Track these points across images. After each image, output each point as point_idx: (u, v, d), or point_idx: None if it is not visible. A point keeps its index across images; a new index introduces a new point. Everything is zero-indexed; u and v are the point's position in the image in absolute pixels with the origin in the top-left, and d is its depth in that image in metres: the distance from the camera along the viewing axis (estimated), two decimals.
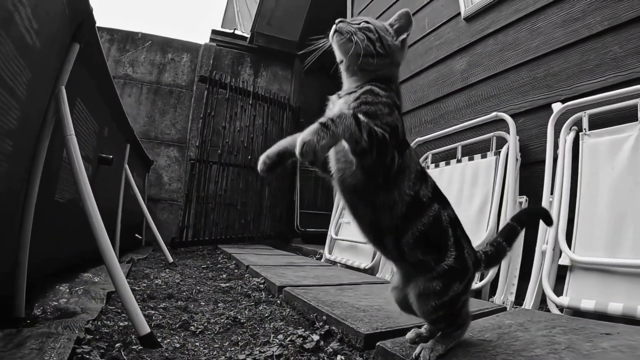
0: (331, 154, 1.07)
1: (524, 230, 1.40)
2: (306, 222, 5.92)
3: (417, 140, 3.12)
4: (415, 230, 1.08)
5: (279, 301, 1.98)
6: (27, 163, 1.25)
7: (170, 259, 3.20)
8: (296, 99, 6.58)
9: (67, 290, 1.82)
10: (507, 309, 1.82)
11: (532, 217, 1.45)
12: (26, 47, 1.05)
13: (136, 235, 4.50)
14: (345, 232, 3.48)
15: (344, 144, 0.97)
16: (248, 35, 7.10)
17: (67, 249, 2.07)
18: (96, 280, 2.14)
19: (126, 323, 1.46)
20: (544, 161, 2.15)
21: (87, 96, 1.86)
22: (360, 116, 0.96)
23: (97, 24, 1.60)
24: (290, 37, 6.84)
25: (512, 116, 2.46)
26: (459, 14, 3.21)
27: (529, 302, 1.88)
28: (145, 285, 2.27)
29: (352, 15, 5.10)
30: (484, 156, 2.45)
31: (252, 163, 5.52)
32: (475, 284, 2.03)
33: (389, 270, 2.63)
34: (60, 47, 1.37)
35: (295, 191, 6.05)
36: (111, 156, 2.22)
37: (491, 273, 2.02)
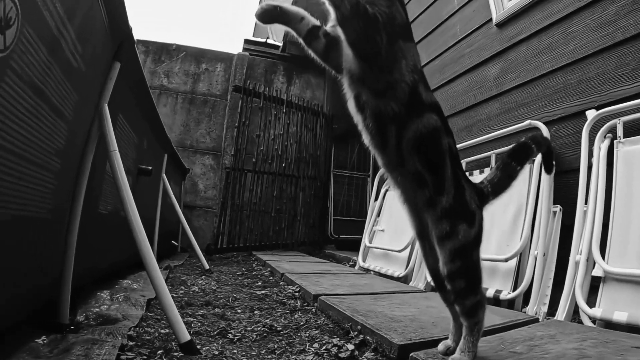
0: (345, 53, 1.11)
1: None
2: (339, 229, 5.92)
3: None
4: (415, 128, 1.12)
5: (314, 309, 1.99)
6: (73, 178, 1.31)
7: (207, 266, 3.26)
8: (329, 106, 6.61)
9: (108, 296, 1.88)
10: (540, 320, 1.78)
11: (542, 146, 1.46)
12: (72, 70, 1.10)
13: (173, 242, 4.61)
14: (379, 240, 3.47)
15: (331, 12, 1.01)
16: (280, 44, 7.20)
17: (107, 257, 2.14)
18: (135, 286, 2.20)
19: (166, 330, 1.50)
20: (578, 169, 2.09)
21: (128, 111, 1.93)
22: None
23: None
24: None
25: (546, 124, 2.40)
26: (491, 19, 3.16)
27: (561, 313, 1.83)
28: (182, 292, 2.32)
29: None
30: None
31: (286, 171, 5.60)
32: (508, 294, 1.99)
33: (422, 279, 2.60)
34: (103, 66, 1.43)
35: (329, 197, 6.06)
36: (150, 167, 2.29)
37: (524, 283, 1.97)
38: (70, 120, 1.16)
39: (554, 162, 1.55)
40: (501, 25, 3.05)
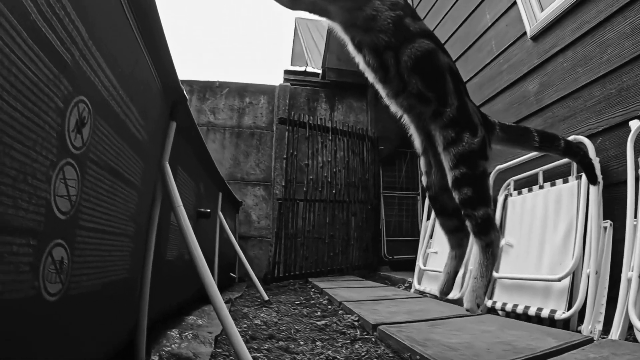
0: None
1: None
2: (393, 250, 5.92)
3: (497, 168, 3.06)
4: (409, 53, 1.30)
5: (373, 339, 2.03)
6: (144, 235, 1.45)
7: (266, 297, 3.37)
8: (373, 128, 6.68)
9: (178, 335, 2.00)
10: (595, 339, 1.75)
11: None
12: (138, 143, 1.24)
13: (231, 274, 4.78)
14: (433, 262, 3.48)
15: None
16: (319, 71, 7.38)
17: (175, 297, 2.29)
18: (200, 322, 2.33)
19: None
20: (625, 182, 2.05)
21: (185, 161, 2.08)
22: None
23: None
24: None
25: (590, 136, 2.36)
26: (525, 33, 3.15)
27: (615, 331, 1.79)
28: (246, 325, 2.43)
29: None
30: (565, 181, 2.37)
31: (337, 197, 5.69)
32: (563, 314, 1.97)
33: None
34: (161, 128, 1.58)
35: (380, 219, 6.09)
36: (209, 210, 2.45)
37: (578, 302, 1.94)
38: (139, 186, 1.31)
39: (597, 173, 1.58)
40: (536, 38, 3.04)
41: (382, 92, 1.42)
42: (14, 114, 0.60)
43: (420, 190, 6.20)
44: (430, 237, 3.72)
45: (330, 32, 6.95)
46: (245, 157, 6.37)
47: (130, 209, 1.23)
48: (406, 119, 1.46)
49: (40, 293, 0.72)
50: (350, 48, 1.40)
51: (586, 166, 1.65)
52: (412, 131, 1.49)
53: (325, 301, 3.31)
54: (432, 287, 3.29)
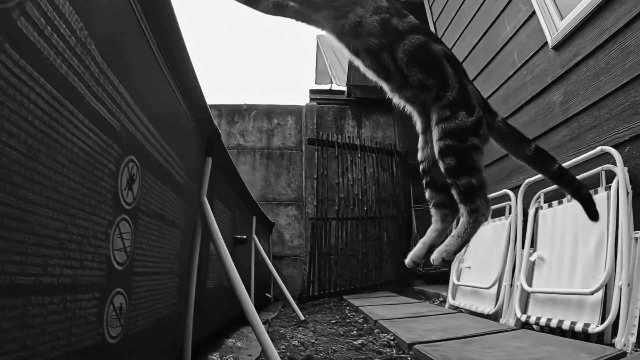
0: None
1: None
2: (426, 264, 5.87)
3: (527, 181, 3.05)
4: (403, 48, 1.40)
5: (409, 358, 2.08)
6: (188, 269, 1.56)
7: (302, 317, 3.44)
8: (401, 143, 6.72)
9: (219, 358, 2.09)
10: (628, 353, 1.75)
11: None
12: (179, 186, 1.35)
13: (266, 294, 4.88)
14: (466, 276, 3.48)
15: None
16: (344, 88, 7.50)
17: (215, 321, 2.39)
18: (239, 345, 2.41)
19: None
20: None
21: (221, 192, 2.20)
22: None
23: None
24: None
25: (617, 146, 2.36)
26: (546, 43, 3.16)
27: None
28: (284, 347, 2.50)
29: None
30: (595, 192, 2.37)
31: (369, 214, 5.74)
32: (596, 328, 1.97)
33: (512, 315, 2.60)
34: (199, 166, 1.69)
35: (412, 233, 6.10)
36: (245, 237, 2.56)
37: (611, 315, 1.94)
38: (182, 225, 1.42)
39: (597, 209, 1.59)
40: (557, 47, 3.05)
41: (387, 88, 1.53)
42: (76, 186, 0.71)
43: None
44: (464, 251, 3.73)
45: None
46: (276, 178, 6.51)
47: (176, 247, 1.34)
48: (409, 109, 1.56)
49: (104, 338, 0.82)
50: (348, 54, 1.52)
51: (584, 200, 1.61)
52: (415, 117, 1.59)
53: (361, 319, 3.36)
54: (467, 301, 3.30)
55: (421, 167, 1.62)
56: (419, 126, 1.60)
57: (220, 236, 1.63)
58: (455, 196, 1.38)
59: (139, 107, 0.97)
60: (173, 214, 1.30)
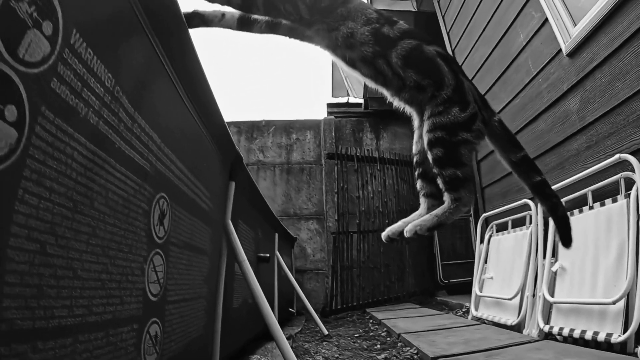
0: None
1: None
2: (448, 274, 5.89)
3: None
4: (396, 53, 1.45)
5: None
6: (214, 291, 1.62)
7: (325, 331, 3.47)
8: None
9: None
10: None
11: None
12: (205, 214, 1.43)
13: (290, 309, 4.93)
14: (489, 287, 3.48)
15: None
16: (361, 101, 7.56)
17: (240, 339, 2.44)
18: None
19: None
20: None
21: (244, 213, 2.27)
22: None
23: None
24: None
25: (635, 152, 2.35)
26: (560, 50, 3.16)
27: None
28: None
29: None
30: (614, 200, 2.37)
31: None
32: (619, 337, 1.96)
33: (534, 326, 2.59)
34: (223, 191, 1.76)
35: (434, 244, 6.08)
36: (268, 255, 2.63)
37: (633, 324, 1.92)
38: (209, 251, 1.49)
39: (571, 234, 1.61)
40: (572, 54, 3.05)
41: (387, 93, 1.59)
42: (113, 229, 0.78)
43: (472, 212, 6.15)
44: (485, 261, 3.73)
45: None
46: (296, 193, 6.58)
47: (203, 273, 1.41)
48: (409, 109, 1.62)
49: None
50: (345, 67, 1.57)
51: (559, 219, 1.60)
52: (414, 115, 1.65)
53: (384, 333, 3.38)
54: (490, 312, 3.29)
55: (414, 159, 1.68)
56: (416, 123, 1.66)
57: (245, 258, 1.69)
58: (440, 185, 1.43)
59: (166, 144, 1.05)
60: (200, 241, 1.37)
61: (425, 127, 1.44)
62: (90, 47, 0.68)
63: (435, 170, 1.43)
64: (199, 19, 1.41)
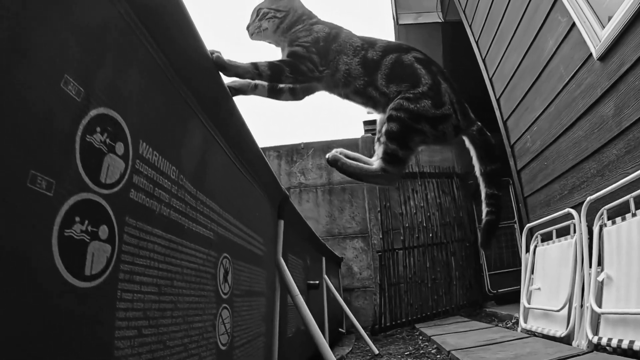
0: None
1: None
2: (496, 283, 5.83)
3: (589, 199, 3.01)
4: (380, 74, 1.49)
5: None
6: (271, 326, 1.75)
7: (376, 350, 3.55)
8: (459, 164, 6.71)
9: None
10: None
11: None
12: (260, 259, 1.57)
13: (339, 329, 5.02)
14: (536, 298, 3.46)
15: None
16: None
17: None
18: None
19: None
20: None
21: (293, 246, 2.38)
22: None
23: (262, 146, 2.08)
24: None
25: None
26: (591, 55, 3.12)
27: None
28: None
29: (487, 76, 5.22)
30: None
31: (434, 240, 5.80)
32: None
33: (583, 337, 2.57)
34: (273, 231, 1.88)
35: (480, 254, 6.04)
36: (317, 282, 2.76)
37: None
38: (265, 291, 1.63)
39: (490, 242, 1.68)
40: (602, 58, 3.01)
41: (375, 111, 1.62)
42: (190, 299, 0.93)
43: (516, 218, 6.06)
44: (532, 272, 3.70)
45: None
46: (340, 212, 6.68)
47: (262, 313, 1.55)
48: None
49: None
50: (340, 100, 1.63)
51: (487, 224, 1.68)
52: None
53: (434, 350, 3.41)
54: (539, 324, 3.27)
55: (377, 136, 1.69)
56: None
57: (297, 292, 1.80)
58: (379, 152, 1.47)
59: (224, 209, 1.20)
60: (258, 285, 1.51)
61: (391, 105, 1.46)
62: (155, 150, 0.81)
63: (382, 139, 1.47)
64: (234, 91, 1.52)
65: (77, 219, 0.58)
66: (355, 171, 1.51)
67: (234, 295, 1.22)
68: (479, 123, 1.68)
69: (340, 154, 1.61)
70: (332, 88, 1.59)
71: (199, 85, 1.05)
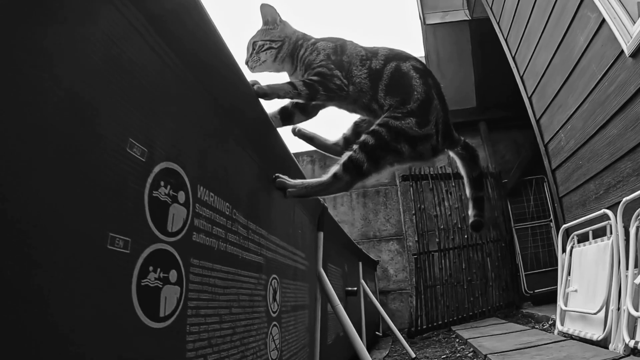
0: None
1: None
2: (533, 283, 5.75)
3: (624, 199, 2.96)
4: (381, 87, 1.48)
5: None
6: (313, 336, 1.84)
7: (413, 354, 3.59)
8: (493, 163, 6.65)
9: None
10: None
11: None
12: (304, 273, 1.67)
13: (376, 332, 5.07)
14: (573, 300, 3.44)
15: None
16: None
17: None
18: None
19: None
20: None
21: (332, 255, 2.47)
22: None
23: (295, 151, 2.15)
24: (468, 104, 7.10)
25: None
26: (622, 52, 3.07)
27: None
28: None
29: (518, 74, 5.16)
30: None
31: (469, 241, 5.78)
32: None
33: (620, 340, 2.55)
34: (313, 243, 1.96)
35: (516, 254, 5.97)
36: (355, 288, 2.85)
37: None
38: (309, 303, 1.72)
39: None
40: (634, 55, 2.94)
41: (371, 118, 1.60)
42: (246, 322, 1.04)
43: (552, 216, 5.95)
44: (569, 273, 3.66)
45: None
46: (374, 215, 6.74)
47: (305, 324, 1.66)
48: None
49: None
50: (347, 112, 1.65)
51: (479, 224, 1.79)
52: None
53: (471, 354, 3.43)
54: (575, 327, 3.25)
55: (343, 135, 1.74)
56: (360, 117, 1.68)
57: (338, 302, 1.87)
58: (344, 156, 1.39)
59: (271, 232, 1.30)
60: (302, 299, 1.62)
61: (378, 121, 1.43)
62: (211, 191, 0.90)
63: (354, 146, 1.40)
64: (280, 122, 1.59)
65: (151, 268, 0.65)
66: (302, 189, 1.35)
67: (282, 312, 1.32)
68: (462, 139, 1.73)
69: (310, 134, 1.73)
70: (343, 102, 1.58)
71: (245, 120, 1.13)
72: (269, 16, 1.61)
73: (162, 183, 0.71)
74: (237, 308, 0.98)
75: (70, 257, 0.50)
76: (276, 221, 1.38)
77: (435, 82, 1.55)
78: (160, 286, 0.68)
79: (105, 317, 0.55)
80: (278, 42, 1.59)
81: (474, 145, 5.50)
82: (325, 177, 1.37)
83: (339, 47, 1.57)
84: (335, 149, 1.76)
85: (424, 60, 7.39)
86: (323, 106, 1.65)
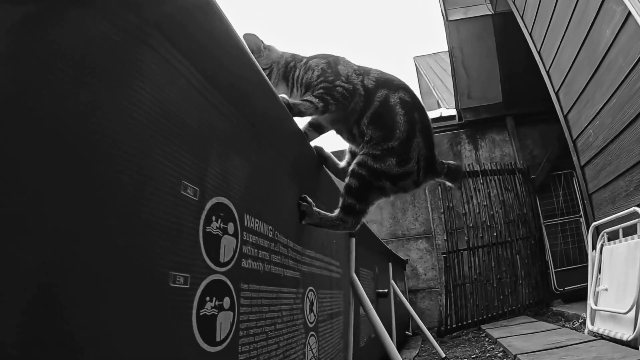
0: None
1: None
2: (563, 281, 5.68)
3: None
4: (368, 113, 1.48)
5: None
6: (347, 341, 1.92)
7: (442, 354, 3.64)
8: (521, 159, 6.60)
9: None
10: None
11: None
12: (338, 281, 1.75)
13: (406, 332, 5.12)
14: (604, 300, 3.41)
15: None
16: (453, 112, 7.54)
17: None
18: None
19: None
20: None
21: (363, 259, 2.53)
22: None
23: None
24: (494, 100, 7.04)
25: None
26: None
27: None
28: None
29: (544, 69, 5.10)
30: None
31: (498, 239, 5.75)
32: None
33: None
34: (346, 249, 2.03)
35: (546, 251, 5.90)
36: (386, 290, 2.91)
37: None
38: (343, 310, 1.80)
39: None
40: None
41: (352, 147, 1.64)
42: (287, 335, 1.12)
43: (582, 212, 5.85)
44: (599, 271, 3.63)
45: (454, 75, 7.20)
46: (402, 214, 6.77)
47: (340, 331, 1.75)
48: None
49: None
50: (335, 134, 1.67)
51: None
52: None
53: (500, 353, 3.45)
54: (606, 327, 3.23)
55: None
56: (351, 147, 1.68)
57: (371, 306, 1.93)
58: (339, 204, 1.44)
59: (306, 247, 1.36)
60: (337, 306, 1.70)
61: (357, 159, 1.45)
62: (256, 218, 0.97)
63: (342, 192, 1.45)
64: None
65: (207, 298, 0.71)
66: (317, 219, 1.41)
67: (319, 321, 1.41)
68: (445, 165, 1.66)
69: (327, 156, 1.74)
70: (333, 121, 1.60)
71: (282, 145, 1.19)
72: (253, 45, 1.61)
73: (213, 218, 0.75)
74: (280, 324, 1.06)
75: (140, 296, 0.56)
76: (311, 235, 1.44)
77: (422, 116, 1.53)
78: (216, 313, 0.74)
79: (171, 347, 0.62)
80: (267, 69, 1.61)
81: (500, 140, 5.44)
82: (334, 213, 1.44)
83: (333, 60, 1.59)
84: (342, 176, 1.82)
85: (447, 57, 7.36)
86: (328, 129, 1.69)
